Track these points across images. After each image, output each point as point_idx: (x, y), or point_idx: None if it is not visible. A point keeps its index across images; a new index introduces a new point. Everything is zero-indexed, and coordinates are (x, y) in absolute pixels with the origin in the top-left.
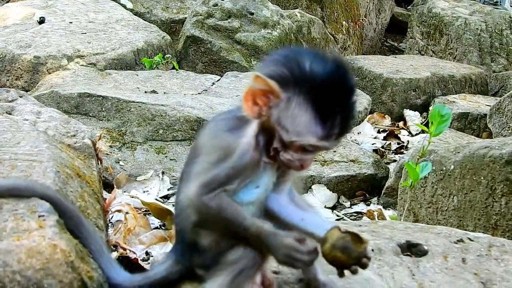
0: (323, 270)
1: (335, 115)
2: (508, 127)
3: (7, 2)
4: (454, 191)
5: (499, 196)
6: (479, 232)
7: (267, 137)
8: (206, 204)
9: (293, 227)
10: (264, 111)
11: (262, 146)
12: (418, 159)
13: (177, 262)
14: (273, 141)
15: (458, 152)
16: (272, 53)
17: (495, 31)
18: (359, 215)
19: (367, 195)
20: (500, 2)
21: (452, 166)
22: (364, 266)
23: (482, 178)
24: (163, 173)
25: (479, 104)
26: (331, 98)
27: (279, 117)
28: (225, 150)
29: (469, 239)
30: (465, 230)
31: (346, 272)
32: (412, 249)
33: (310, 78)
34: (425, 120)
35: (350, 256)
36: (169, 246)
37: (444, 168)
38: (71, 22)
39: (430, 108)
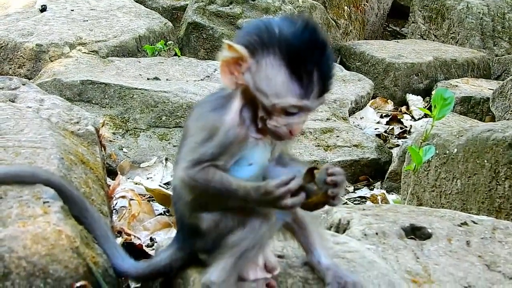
0: (328, 254)
1: (311, 72)
2: (511, 111)
3: None
4: (457, 175)
5: (503, 179)
6: (483, 215)
7: (253, 112)
8: (193, 178)
9: None
10: (240, 79)
11: (249, 121)
12: (421, 143)
13: (180, 249)
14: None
15: (461, 136)
16: (245, 25)
17: (497, 14)
18: (362, 199)
19: (370, 179)
20: None
21: (456, 150)
22: (336, 185)
23: (485, 161)
24: (166, 159)
25: (482, 88)
26: (302, 55)
27: (255, 82)
28: (210, 130)
29: (473, 222)
30: (469, 213)
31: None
32: (416, 232)
33: (278, 39)
34: (427, 105)
35: (315, 193)
36: (173, 232)
37: (447, 152)
38: (73, 10)
39: (433, 92)
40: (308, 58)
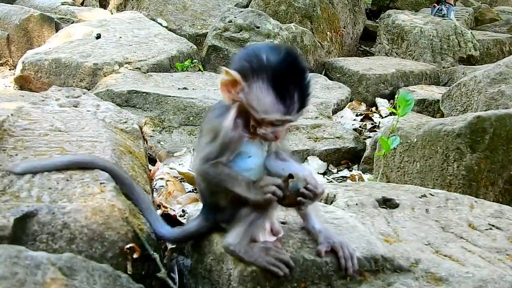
0: (320, 220)
1: (292, 93)
2: (456, 109)
3: (72, 23)
4: (417, 158)
5: (452, 161)
6: (437, 189)
7: (246, 119)
8: (206, 172)
9: (279, 176)
10: (235, 96)
11: (243, 126)
12: (388, 134)
13: (205, 219)
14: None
15: (420, 128)
16: (239, 52)
17: (444, 36)
18: (344, 178)
19: (349, 163)
20: (447, 14)
21: (415, 139)
22: (306, 197)
23: (438, 148)
24: (193, 149)
25: (433, 92)
26: (285, 80)
27: (247, 100)
28: (214, 132)
29: (431, 194)
30: (427, 187)
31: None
32: (387, 203)
33: (266, 66)
34: (392, 106)
35: (289, 196)
36: (199, 205)
37: (409, 141)
38: (121, 37)
39: (396, 96)
40: (289, 82)
